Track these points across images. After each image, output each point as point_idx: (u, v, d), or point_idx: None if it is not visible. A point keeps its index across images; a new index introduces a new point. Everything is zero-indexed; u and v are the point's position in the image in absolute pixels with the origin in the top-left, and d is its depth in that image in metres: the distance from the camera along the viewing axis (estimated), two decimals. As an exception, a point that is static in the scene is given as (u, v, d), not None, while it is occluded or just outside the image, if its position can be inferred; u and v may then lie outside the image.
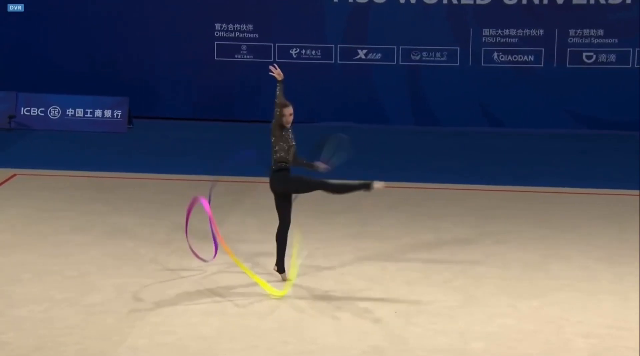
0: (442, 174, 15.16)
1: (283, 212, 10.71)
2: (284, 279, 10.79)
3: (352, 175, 14.63)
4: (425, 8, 18.26)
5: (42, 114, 18.19)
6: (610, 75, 17.99)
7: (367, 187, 10.52)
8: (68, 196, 13.85)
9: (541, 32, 18.13)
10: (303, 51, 18.62)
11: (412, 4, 18.29)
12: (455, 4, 18.22)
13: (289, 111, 10.67)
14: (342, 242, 11.99)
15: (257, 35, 18.66)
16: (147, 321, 9.76)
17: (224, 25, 18.69)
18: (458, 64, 18.35)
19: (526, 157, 16.47)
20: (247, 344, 9.33)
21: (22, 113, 18.20)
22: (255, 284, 10.61)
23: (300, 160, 10.71)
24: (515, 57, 18.24)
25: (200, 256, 11.01)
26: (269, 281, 10.61)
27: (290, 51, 18.64)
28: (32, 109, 18.22)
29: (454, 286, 10.72)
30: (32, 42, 18.84)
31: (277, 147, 10.59)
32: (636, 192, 14.02)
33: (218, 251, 10.89)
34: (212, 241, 10.87)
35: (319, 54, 18.61)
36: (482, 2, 18.17)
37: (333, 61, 18.62)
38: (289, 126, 10.66)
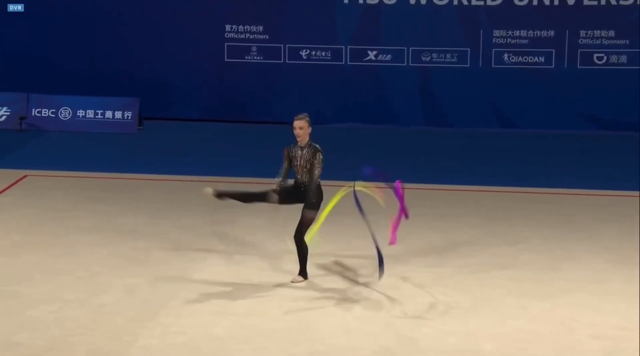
0: (453, 175, 15.14)
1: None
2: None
3: (364, 176, 14.67)
4: (435, 9, 18.26)
5: (53, 115, 18.23)
6: (622, 76, 17.95)
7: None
8: (79, 196, 13.88)
9: (552, 33, 18.11)
10: (313, 52, 18.63)
11: (423, 5, 18.29)
12: (466, 5, 18.22)
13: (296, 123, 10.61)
14: (351, 243, 11.98)
15: (267, 36, 18.68)
16: (158, 322, 9.77)
17: (234, 26, 18.72)
18: (468, 65, 18.34)
19: (537, 158, 16.45)
20: (257, 345, 9.34)
21: (33, 114, 18.25)
22: (264, 284, 10.64)
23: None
24: (525, 58, 18.22)
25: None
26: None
27: (301, 52, 18.65)
28: (43, 110, 18.26)
29: (464, 288, 10.71)
30: (44, 44, 18.89)
31: None
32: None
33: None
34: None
35: (329, 55, 18.62)
36: (493, 3, 18.16)
37: (343, 62, 18.63)
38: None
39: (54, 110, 18.24)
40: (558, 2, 18.03)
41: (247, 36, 18.73)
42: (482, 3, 18.20)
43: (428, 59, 18.44)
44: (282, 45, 18.67)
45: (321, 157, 10.58)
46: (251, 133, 17.78)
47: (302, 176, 10.64)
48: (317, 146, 10.66)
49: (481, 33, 18.27)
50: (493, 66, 18.31)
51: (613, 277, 11.02)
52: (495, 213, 13.29)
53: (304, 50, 18.65)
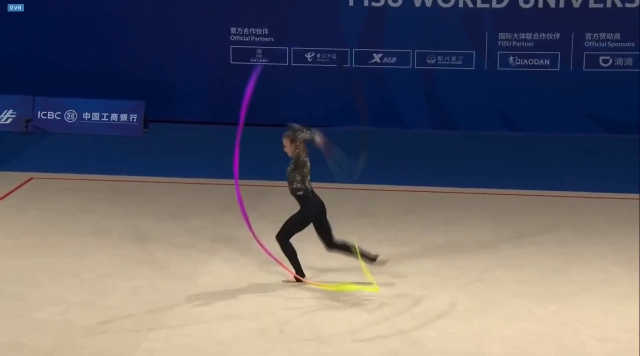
0: (458, 178, 15.13)
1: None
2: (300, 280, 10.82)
3: (370, 179, 14.70)
4: (440, 12, 18.24)
5: (59, 118, 18.24)
6: (627, 78, 17.93)
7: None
8: (85, 198, 13.89)
9: (557, 35, 18.09)
10: (318, 55, 18.63)
11: (428, 7, 18.27)
12: (471, 8, 18.20)
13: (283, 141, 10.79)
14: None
15: (272, 39, 18.67)
16: (164, 324, 9.78)
17: (239, 29, 18.72)
18: (474, 67, 18.33)
19: (543, 160, 16.43)
20: (263, 348, 9.34)
21: (38, 117, 18.26)
22: (269, 287, 10.64)
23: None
24: (531, 61, 18.20)
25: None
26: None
27: (306, 55, 18.65)
28: (48, 112, 18.27)
29: (470, 290, 10.70)
30: (47, 45, 18.89)
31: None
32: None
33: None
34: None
35: (335, 58, 18.60)
36: (498, 6, 18.14)
37: (348, 65, 18.62)
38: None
39: (59, 113, 18.25)
40: (563, 4, 18.01)
41: (252, 39, 18.73)
42: (487, 6, 18.18)
43: (433, 61, 18.43)
44: (287, 48, 18.67)
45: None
46: (256, 136, 17.74)
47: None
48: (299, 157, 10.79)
49: (486, 36, 18.26)
50: (498, 68, 18.28)
51: (619, 279, 11.01)
52: (501, 215, 13.28)
53: (309, 53, 18.65)
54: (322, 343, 9.42)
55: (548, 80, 18.18)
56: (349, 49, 18.55)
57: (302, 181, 10.70)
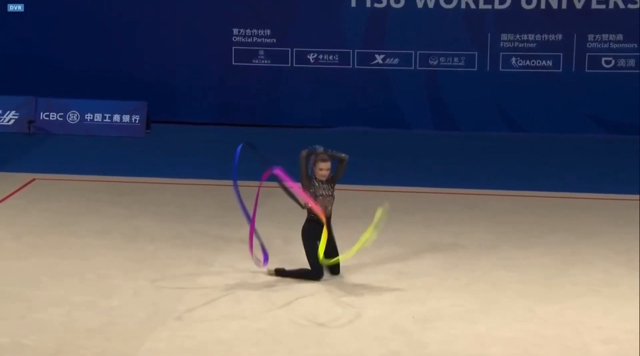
0: (461, 179, 15.13)
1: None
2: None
3: (372, 180, 14.70)
4: (443, 13, 18.24)
5: (61, 119, 18.26)
6: (630, 79, 17.93)
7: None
8: (87, 199, 13.90)
9: (560, 37, 18.09)
10: (320, 56, 18.64)
11: (430, 8, 18.28)
12: (473, 9, 18.20)
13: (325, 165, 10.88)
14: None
15: (274, 40, 18.68)
16: (166, 325, 9.78)
17: (241, 30, 18.73)
18: (476, 68, 18.33)
19: (546, 161, 16.43)
20: (266, 348, 9.34)
21: (41, 118, 18.27)
22: (272, 288, 10.66)
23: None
24: (533, 62, 18.20)
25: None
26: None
27: (308, 56, 18.66)
28: (51, 113, 18.29)
29: (473, 291, 10.70)
30: (51, 47, 18.91)
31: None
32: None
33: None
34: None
35: (337, 59, 18.62)
36: (500, 7, 18.14)
37: (351, 66, 18.63)
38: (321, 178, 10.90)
39: (62, 113, 18.27)
40: (566, 5, 18.00)
41: (254, 40, 18.74)
42: (489, 7, 18.18)
43: (435, 62, 18.43)
44: (289, 49, 18.68)
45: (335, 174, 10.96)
46: (258, 137, 17.72)
47: (327, 208, 10.90)
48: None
49: (489, 37, 18.26)
50: (500, 69, 18.29)
51: (622, 281, 11.00)
52: (502, 216, 13.28)
53: (312, 54, 18.65)
54: (324, 344, 9.42)
55: (550, 81, 18.18)
56: (351, 50, 18.56)
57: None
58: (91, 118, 18.26)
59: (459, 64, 18.36)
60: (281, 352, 9.29)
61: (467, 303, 10.36)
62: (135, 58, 18.85)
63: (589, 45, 18.08)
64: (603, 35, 18.02)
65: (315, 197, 10.86)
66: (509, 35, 18.21)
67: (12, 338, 9.46)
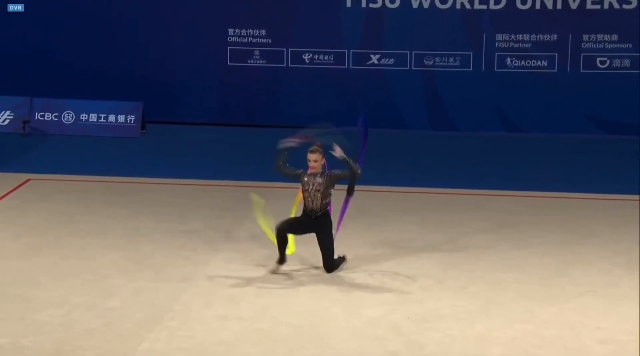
0: (459, 179, 15.13)
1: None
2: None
3: (370, 180, 14.69)
4: (438, 13, 18.24)
5: (56, 119, 18.22)
6: (625, 80, 17.96)
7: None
8: (83, 200, 13.88)
9: (555, 37, 18.12)
10: (316, 56, 18.63)
11: (425, 8, 18.28)
12: (469, 9, 18.21)
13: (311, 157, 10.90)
14: (357, 247, 11.97)
15: (270, 40, 18.67)
16: (165, 326, 9.77)
17: (236, 30, 18.71)
18: (471, 69, 18.34)
19: (541, 161, 16.44)
20: (265, 349, 9.33)
21: (36, 118, 18.23)
22: (270, 288, 10.65)
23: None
24: (528, 62, 18.22)
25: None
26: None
27: (303, 56, 18.65)
28: (46, 114, 18.25)
29: (472, 292, 10.71)
30: (47, 48, 18.88)
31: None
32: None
33: None
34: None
35: (332, 59, 18.61)
36: (496, 7, 18.16)
37: (346, 66, 18.62)
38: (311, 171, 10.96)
39: (57, 114, 18.23)
40: (561, 6, 18.02)
41: (249, 40, 18.72)
42: (485, 7, 18.20)
43: (431, 62, 18.44)
44: (284, 49, 18.67)
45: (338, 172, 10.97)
46: (254, 137, 17.78)
47: (313, 202, 10.90)
48: (331, 171, 11.01)
49: (484, 37, 18.27)
50: (496, 69, 18.30)
51: (622, 281, 11.01)
52: (502, 217, 13.28)
53: (307, 54, 18.65)
54: (324, 345, 9.41)
55: (546, 81, 18.20)
56: (346, 50, 18.56)
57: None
58: (86, 118, 18.23)
59: (455, 64, 18.37)
60: (280, 352, 9.28)
61: (466, 304, 10.37)
62: (131, 59, 18.82)
63: (584, 45, 18.10)
64: (598, 35, 18.04)
65: (303, 191, 10.86)
66: (504, 35, 18.23)
67: (11, 338, 9.44)
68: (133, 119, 18.13)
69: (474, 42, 18.29)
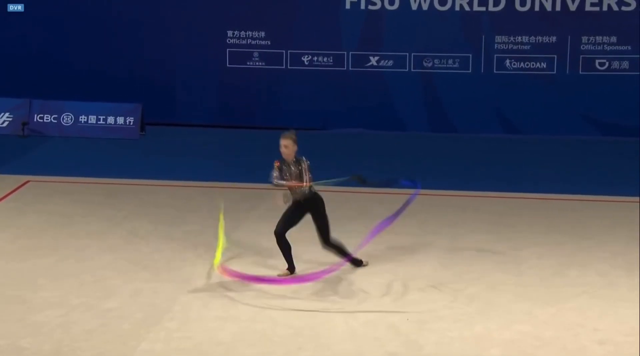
0: (458, 181, 15.13)
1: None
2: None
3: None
4: (437, 15, 18.26)
5: (55, 121, 18.23)
6: (623, 81, 17.97)
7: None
8: (82, 202, 13.88)
9: (554, 38, 18.13)
10: (315, 58, 18.64)
11: (425, 10, 18.29)
12: (468, 11, 18.22)
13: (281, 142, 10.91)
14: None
15: (269, 42, 18.68)
16: (163, 327, 9.78)
17: (235, 32, 18.72)
18: (470, 70, 18.35)
19: (541, 163, 16.45)
20: (263, 350, 9.34)
21: (35, 120, 18.24)
22: (269, 289, 10.66)
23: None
24: (527, 64, 18.23)
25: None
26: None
27: (302, 58, 18.66)
28: (45, 116, 18.26)
29: (470, 293, 10.70)
30: (46, 48, 18.89)
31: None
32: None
33: None
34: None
35: (331, 61, 18.62)
36: (495, 9, 18.17)
37: (345, 68, 18.63)
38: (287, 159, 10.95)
39: (56, 116, 18.24)
40: (560, 8, 18.03)
41: (248, 42, 18.73)
42: (484, 9, 18.21)
43: (430, 64, 18.44)
44: (283, 51, 18.68)
45: (307, 163, 10.87)
46: (253, 139, 17.78)
47: (296, 190, 10.92)
48: (302, 157, 10.94)
49: (483, 39, 18.28)
50: (495, 71, 18.31)
51: (619, 282, 11.01)
52: (500, 218, 13.28)
53: (306, 56, 18.65)
54: (322, 346, 9.42)
55: (545, 83, 18.21)
56: (345, 52, 18.57)
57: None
58: (85, 120, 18.23)
59: (454, 66, 18.38)
60: (278, 353, 9.29)
61: (464, 305, 10.37)
62: (130, 60, 18.83)
63: (583, 47, 18.11)
64: (597, 37, 18.05)
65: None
66: (503, 37, 18.24)
67: (9, 340, 9.45)
68: (132, 121, 18.13)
69: (473, 44, 18.30)
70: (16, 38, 18.92)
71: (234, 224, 12.86)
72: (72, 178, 15.16)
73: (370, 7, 18.39)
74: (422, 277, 11.15)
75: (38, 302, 10.32)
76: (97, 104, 18.26)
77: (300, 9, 18.58)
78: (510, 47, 18.24)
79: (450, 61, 18.39)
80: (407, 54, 18.45)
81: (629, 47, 18.00)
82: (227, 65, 18.82)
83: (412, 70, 18.48)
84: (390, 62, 18.50)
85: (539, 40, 18.16)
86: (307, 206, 10.95)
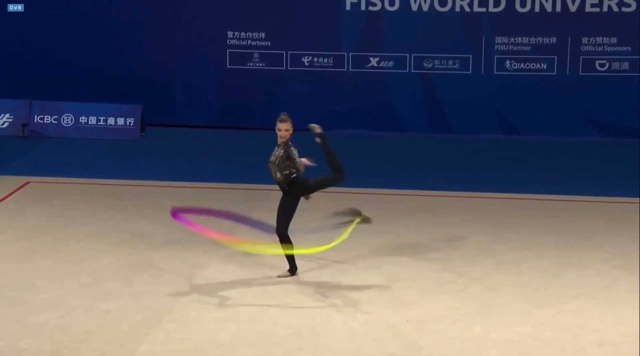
0: (457, 182, 15.13)
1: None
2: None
3: (369, 183, 14.67)
4: (437, 16, 18.24)
5: (56, 122, 18.22)
6: (624, 82, 17.96)
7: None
8: (82, 203, 13.88)
9: (554, 39, 18.11)
10: (315, 59, 18.63)
11: (425, 11, 18.28)
12: (468, 12, 18.21)
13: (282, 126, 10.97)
14: (354, 249, 11.96)
15: (269, 43, 18.68)
16: (162, 328, 9.78)
17: (236, 33, 18.72)
18: (470, 71, 18.34)
19: (540, 164, 16.44)
20: (263, 351, 9.34)
21: (35, 121, 18.24)
22: (268, 290, 10.66)
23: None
24: (528, 65, 18.22)
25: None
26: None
27: (303, 59, 18.65)
28: (45, 116, 18.26)
29: (469, 294, 10.71)
30: (46, 48, 18.88)
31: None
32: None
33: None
34: None
35: (332, 61, 18.61)
36: (495, 10, 18.16)
37: (345, 69, 18.62)
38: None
39: (56, 116, 18.24)
40: (560, 8, 18.01)
41: (249, 43, 18.73)
42: (484, 10, 18.20)
43: (430, 65, 18.43)
44: (284, 52, 18.68)
45: (296, 150, 11.01)
46: (253, 140, 17.76)
47: (274, 174, 10.98)
48: (290, 143, 11.05)
49: (483, 40, 18.27)
50: (495, 72, 18.30)
51: (619, 283, 11.01)
52: (500, 219, 13.28)
53: (306, 57, 18.65)
54: (321, 347, 9.42)
55: (545, 84, 18.20)
56: (345, 53, 18.56)
57: (295, 165, 10.89)
58: (85, 121, 18.23)
59: (454, 66, 18.37)
60: (277, 354, 9.29)
61: (463, 306, 10.37)
62: (130, 61, 18.82)
63: (583, 48, 18.10)
64: (597, 38, 18.04)
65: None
66: (503, 38, 18.23)
67: (9, 341, 9.45)
68: (132, 121, 18.13)
69: (473, 45, 18.28)
70: (16, 38, 18.92)
71: (233, 225, 12.85)
72: (72, 178, 15.16)
73: (370, 8, 18.38)
74: (421, 277, 11.16)
75: (37, 303, 10.33)
76: (97, 105, 18.25)
77: (301, 9, 18.57)
78: (510, 48, 18.23)
79: (450, 62, 18.38)
80: (407, 54, 18.44)
81: (629, 48, 17.98)
82: (227, 66, 18.81)
83: (412, 71, 18.47)
84: (391, 63, 18.49)
85: (539, 41, 18.15)
86: (294, 192, 10.93)
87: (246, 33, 18.69)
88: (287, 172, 10.88)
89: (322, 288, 10.81)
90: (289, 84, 18.67)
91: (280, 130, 10.95)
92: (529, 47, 18.18)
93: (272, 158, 10.95)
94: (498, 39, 18.23)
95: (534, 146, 17.63)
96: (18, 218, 13.22)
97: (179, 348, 9.39)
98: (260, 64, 18.74)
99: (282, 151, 10.91)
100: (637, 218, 13.14)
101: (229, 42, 18.74)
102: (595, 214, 13.57)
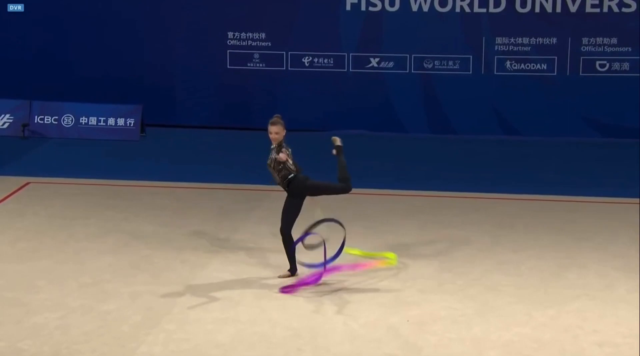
0: (457, 182, 15.13)
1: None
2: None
3: (369, 183, 14.68)
4: (437, 16, 18.25)
5: (56, 123, 18.23)
6: (624, 83, 17.96)
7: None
8: (82, 203, 13.88)
9: (554, 40, 18.11)
10: (315, 59, 18.64)
11: (425, 12, 18.28)
12: (468, 12, 18.21)
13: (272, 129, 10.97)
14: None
15: (269, 43, 18.68)
16: (162, 329, 9.78)
17: (236, 33, 18.72)
18: (471, 72, 18.34)
19: (540, 165, 16.44)
20: (262, 352, 9.34)
21: (35, 121, 18.24)
22: (267, 291, 10.66)
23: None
24: (528, 66, 18.22)
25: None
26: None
27: (303, 59, 18.65)
28: (45, 117, 18.26)
29: (469, 295, 10.70)
30: (46, 49, 18.89)
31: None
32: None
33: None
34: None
35: (332, 62, 18.62)
36: (495, 11, 18.16)
37: (345, 69, 18.62)
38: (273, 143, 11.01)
39: (56, 117, 18.24)
40: (560, 9, 18.01)
41: (249, 43, 18.73)
42: (484, 10, 18.20)
43: (430, 66, 18.44)
44: (284, 53, 18.68)
45: (289, 150, 11.00)
46: (253, 140, 17.75)
47: (273, 177, 11.06)
48: (284, 144, 11.06)
49: (483, 40, 18.27)
50: (495, 73, 18.30)
51: (619, 284, 11.01)
52: (499, 220, 13.28)
53: (307, 58, 18.65)
54: (320, 348, 9.42)
55: (545, 84, 18.20)
56: (345, 54, 18.56)
57: (288, 166, 10.92)
58: (86, 122, 18.23)
59: (454, 67, 18.37)
60: (277, 355, 9.29)
61: (463, 307, 10.37)
62: (131, 62, 18.83)
63: (584, 48, 18.09)
64: (597, 38, 18.03)
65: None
66: (503, 38, 18.22)
67: (8, 342, 9.45)
68: (132, 122, 18.13)
69: (474, 46, 18.28)
70: (16, 38, 18.93)
71: (233, 226, 12.88)
72: (72, 179, 15.16)
73: (370, 8, 18.38)
74: (421, 278, 11.15)
75: (37, 304, 10.33)
76: (97, 106, 18.26)
77: (301, 10, 18.57)
78: (510, 48, 18.22)
79: (450, 63, 18.38)
80: (408, 55, 18.44)
81: (630, 49, 17.98)
82: (228, 66, 18.82)
83: (412, 71, 18.47)
84: (391, 64, 18.49)
85: (539, 41, 18.14)
86: (295, 192, 10.94)
87: (246, 33, 18.69)
88: (283, 173, 10.91)
89: (322, 289, 10.81)
90: (289, 84, 18.68)
91: (270, 133, 10.97)
92: (529, 48, 18.18)
93: (268, 161, 11.00)
94: (498, 40, 18.23)
95: (534, 146, 17.63)
96: (18, 218, 13.23)
97: (179, 348, 9.39)
98: (261, 65, 18.74)
99: (275, 154, 10.93)
100: (637, 218, 13.14)
101: (229, 42, 18.75)
102: (595, 214, 13.57)
